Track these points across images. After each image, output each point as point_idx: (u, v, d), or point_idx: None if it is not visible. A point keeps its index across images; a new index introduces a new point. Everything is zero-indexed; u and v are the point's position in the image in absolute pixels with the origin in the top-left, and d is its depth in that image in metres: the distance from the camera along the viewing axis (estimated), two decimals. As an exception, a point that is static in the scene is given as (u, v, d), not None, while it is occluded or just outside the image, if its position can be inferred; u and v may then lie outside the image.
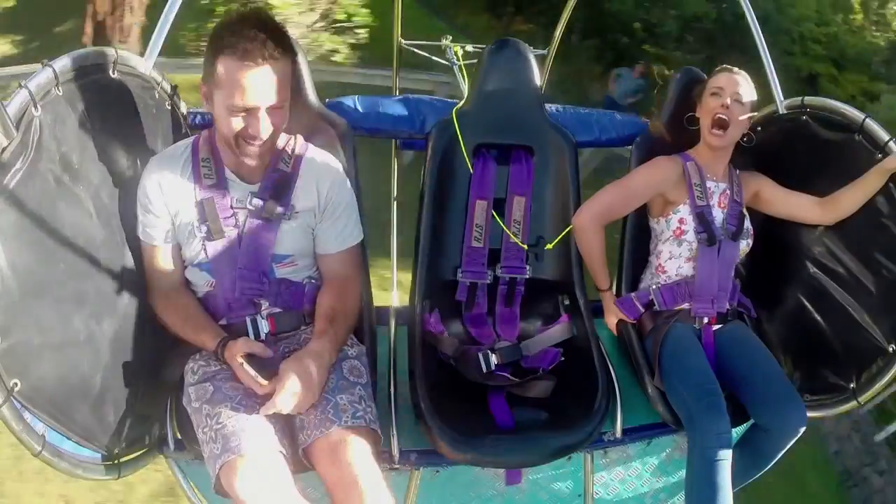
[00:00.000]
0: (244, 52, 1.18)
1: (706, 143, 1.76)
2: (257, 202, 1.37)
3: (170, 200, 1.36)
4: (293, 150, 1.43)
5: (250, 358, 1.29)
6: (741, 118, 1.71)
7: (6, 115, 1.02)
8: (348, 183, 1.51)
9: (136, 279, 1.40)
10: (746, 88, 1.73)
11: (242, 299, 1.40)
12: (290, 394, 1.24)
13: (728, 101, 1.70)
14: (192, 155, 1.38)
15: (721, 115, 1.70)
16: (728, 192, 1.78)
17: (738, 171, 1.84)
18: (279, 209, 1.38)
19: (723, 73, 1.78)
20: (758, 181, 1.84)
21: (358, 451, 1.22)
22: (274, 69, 1.22)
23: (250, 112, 1.23)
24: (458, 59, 3.90)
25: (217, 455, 1.20)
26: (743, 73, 1.78)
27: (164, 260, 1.39)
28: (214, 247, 1.37)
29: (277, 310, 1.44)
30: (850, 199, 1.66)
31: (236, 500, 1.16)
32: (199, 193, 1.36)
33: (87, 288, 1.25)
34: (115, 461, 1.31)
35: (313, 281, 1.50)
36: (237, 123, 1.24)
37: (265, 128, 1.25)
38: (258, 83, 1.20)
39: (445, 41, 4.00)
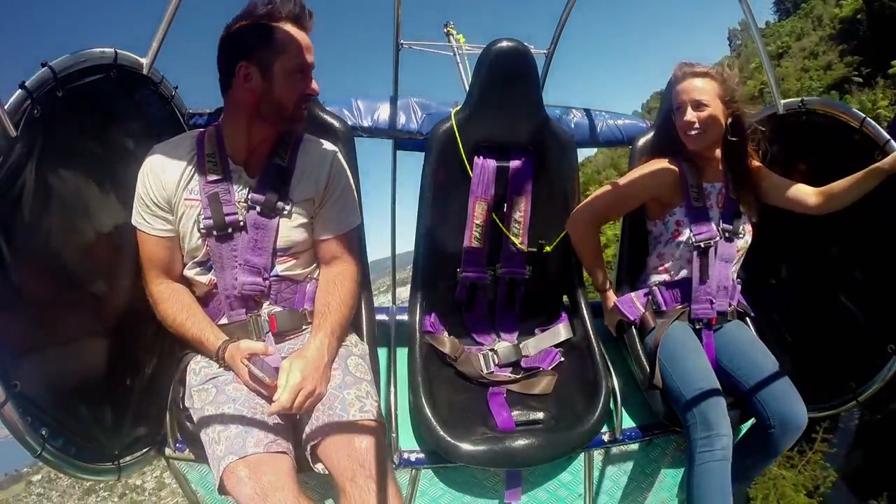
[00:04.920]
0: (299, 15, 1.32)
1: (690, 149, 1.76)
2: (258, 196, 1.38)
3: (170, 193, 1.35)
4: (289, 143, 1.44)
5: (253, 358, 1.29)
6: (712, 118, 1.69)
7: (5, 115, 1.02)
8: (346, 166, 1.51)
9: (134, 279, 1.40)
10: (705, 87, 1.69)
11: (243, 296, 1.40)
12: (294, 391, 1.24)
13: (689, 115, 1.70)
14: (198, 149, 1.39)
15: (688, 132, 1.71)
16: (724, 191, 1.78)
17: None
18: (279, 202, 1.38)
19: (678, 85, 1.74)
20: (754, 170, 1.84)
21: (368, 445, 1.23)
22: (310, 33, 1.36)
23: (307, 72, 1.35)
24: (462, 47, 3.88)
25: (220, 457, 1.20)
26: (695, 68, 1.72)
27: (160, 249, 1.38)
28: (216, 241, 1.37)
29: (278, 308, 1.44)
30: (844, 193, 1.66)
31: (240, 501, 1.16)
32: (203, 187, 1.36)
33: (85, 288, 1.26)
34: (116, 461, 1.31)
35: (314, 280, 1.50)
36: (297, 86, 1.33)
37: (317, 85, 1.38)
38: (310, 43, 1.35)
39: (447, 28, 3.98)
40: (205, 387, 1.33)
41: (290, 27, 1.31)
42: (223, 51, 1.32)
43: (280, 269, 1.42)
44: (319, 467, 1.30)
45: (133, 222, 1.37)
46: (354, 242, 1.52)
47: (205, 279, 1.40)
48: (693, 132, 1.70)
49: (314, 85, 1.37)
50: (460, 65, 3.92)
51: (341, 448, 1.23)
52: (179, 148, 1.38)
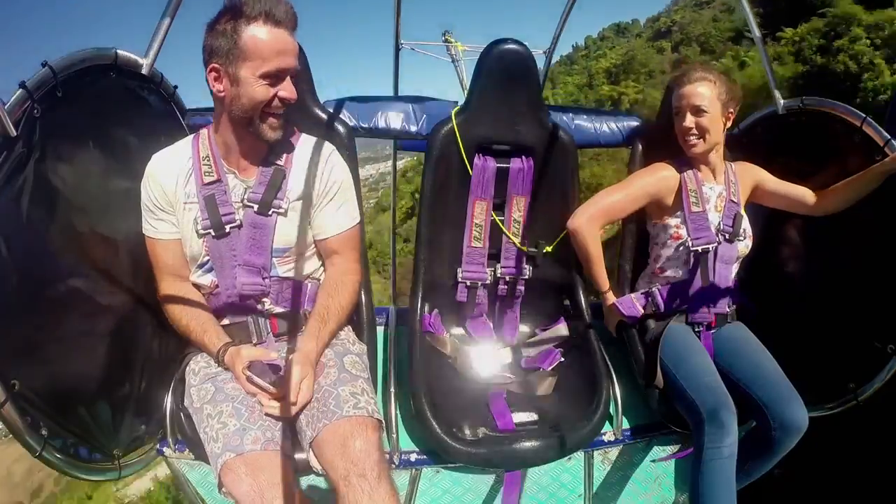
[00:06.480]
0: (272, 16, 1.22)
1: (688, 154, 1.76)
2: (254, 196, 1.38)
3: (171, 197, 1.37)
4: (286, 142, 1.43)
5: (253, 365, 1.28)
6: (711, 124, 1.69)
7: (5, 114, 1.02)
8: (344, 164, 1.51)
9: (133, 278, 1.40)
10: (705, 92, 1.69)
11: (244, 297, 1.40)
12: (301, 406, 1.25)
13: (688, 121, 1.70)
14: (193, 153, 1.39)
15: (687, 138, 1.71)
16: (724, 194, 1.78)
17: (734, 167, 1.84)
18: (275, 201, 1.38)
19: (678, 89, 1.73)
20: (755, 173, 1.85)
21: (361, 443, 1.21)
22: (292, 37, 1.27)
23: (281, 77, 1.26)
24: (460, 56, 3.92)
25: (218, 454, 1.20)
26: (696, 74, 1.71)
27: (169, 253, 1.40)
28: (215, 243, 1.37)
29: (279, 310, 1.44)
30: (845, 194, 1.67)
31: (236, 499, 1.16)
32: (200, 190, 1.37)
33: (85, 288, 1.25)
34: (115, 461, 1.31)
35: (316, 281, 1.50)
36: (267, 91, 1.26)
37: (295, 92, 1.29)
38: (286, 47, 1.25)
39: (446, 36, 4.02)
40: (204, 385, 1.33)
41: (262, 27, 1.22)
42: (203, 51, 1.28)
43: (281, 270, 1.42)
44: (317, 465, 1.30)
45: (143, 231, 1.38)
46: (355, 241, 1.52)
47: (207, 281, 1.41)
48: (691, 137, 1.71)
49: (286, 91, 1.28)
50: (459, 71, 3.95)
51: (335, 447, 1.22)
52: (176, 153, 1.39)
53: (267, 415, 1.26)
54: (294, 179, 1.41)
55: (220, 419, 1.24)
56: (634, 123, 2.09)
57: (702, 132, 1.70)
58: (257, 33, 1.22)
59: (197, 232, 1.36)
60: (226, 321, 1.42)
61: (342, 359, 1.40)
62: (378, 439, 1.26)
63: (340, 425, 1.24)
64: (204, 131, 1.41)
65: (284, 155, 1.41)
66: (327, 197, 1.44)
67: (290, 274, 1.44)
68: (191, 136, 1.43)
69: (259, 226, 1.38)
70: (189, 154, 1.39)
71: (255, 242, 1.38)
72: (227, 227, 1.36)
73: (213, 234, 1.36)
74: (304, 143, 1.46)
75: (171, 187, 1.36)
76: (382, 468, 1.21)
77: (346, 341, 1.49)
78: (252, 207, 1.37)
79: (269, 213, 1.38)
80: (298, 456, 1.31)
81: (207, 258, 1.39)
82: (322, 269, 1.52)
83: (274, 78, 1.25)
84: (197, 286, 1.43)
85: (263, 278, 1.40)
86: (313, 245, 1.48)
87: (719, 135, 1.73)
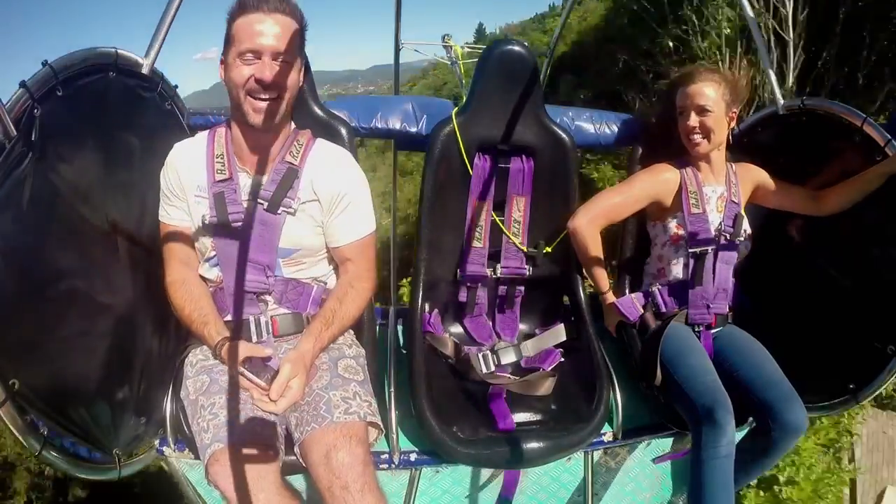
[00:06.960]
0: (254, 3, 1.27)
1: (692, 154, 1.77)
2: (265, 193, 1.38)
3: (185, 186, 1.39)
4: (302, 143, 1.44)
5: (249, 363, 1.27)
6: (715, 124, 1.69)
7: (5, 114, 1.02)
8: (359, 172, 1.50)
9: (133, 278, 1.40)
10: (710, 92, 1.69)
11: (247, 294, 1.40)
12: (291, 403, 1.24)
13: (692, 120, 1.70)
14: (207, 149, 1.40)
15: (691, 137, 1.71)
16: (725, 194, 1.78)
17: (735, 168, 1.85)
18: (286, 200, 1.38)
19: (683, 88, 1.73)
20: (756, 174, 1.85)
21: (345, 454, 1.20)
22: (280, 21, 1.28)
23: (256, 55, 1.27)
24: (459, 58, 3.92)
25: (207, 445, 1.20)
26: (701, 74, 1.72)
27: (178, 240, 1.41)
28: (222, 239, 1.38)
29: (282, 310, 1.44)
30: (846, 194, 1.67)
31: (220, 489, 1.15)
32: (210, 187, 1.38)
33: (85, 287, 1.25)
34: (115, 461, 1.31)
35: (321, 283, 1.50)
36: (245, 72, 1.27)
37: (271, 72, 1.27)
38: (265, 28, 1.26)
39: (445, 40, 4.02)
40: (199, 377, 1.34)
41: (243, 12, 1.27)
42: None
43: (287, 271, 1.43)
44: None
45: (159, 216, 1.41)
46: (369, 249, 1.50)
47: (213, 275, 1.42)
48: (695, 137, 1.71)
49: (259, 73, 1.26)
50: (458, 73, 3.96)
51: (319, 456, 1.21)
52: (195, 146, 1.42)
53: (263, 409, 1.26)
54: (307, 181, 1.40)
55: (212, 410, 1.25)
56: (635, 123, 2.09)
57: (706, 132, 1.70)
58: (239, 18, 1.27)
59: (205, 226, 1.37)
60: (228, 317, 1.42)
61: (336, 363, 1.40)
62: (364, 450, 1.24)
63: (327, 433, 1.23)
64: (221, 129, 1.43)
65: (299, 156, 1.41)
66: (341, 204, 1.43)
67: (296, 276, 1.44)
68: (206, 132, 1.44)
69: (267, 223, 1.38)
70: (204, 149, 1.40)
71: (262, 240, 1.38)
72: (234, 224, 1.37)
73: (220, 229, 1.37)
74: (321, 146, 1.46)
75: (186, 177, 1.38)
76: (367, 480, 1.19)
77: (343, 345, 1.48)
78: (262, 205, 1.38)
79: (279, 211, 1.38)
80: (290, 457, 1.31)
81: (214, 253, 1.40)
82: (329, 273, 1.52)
83: (249, 57, 1.27)
84: (204, 279, 1.43)
85: (267, 276, 1.40)
86: (323, 249, 1.47)
87: (723, 135, 1.73)
